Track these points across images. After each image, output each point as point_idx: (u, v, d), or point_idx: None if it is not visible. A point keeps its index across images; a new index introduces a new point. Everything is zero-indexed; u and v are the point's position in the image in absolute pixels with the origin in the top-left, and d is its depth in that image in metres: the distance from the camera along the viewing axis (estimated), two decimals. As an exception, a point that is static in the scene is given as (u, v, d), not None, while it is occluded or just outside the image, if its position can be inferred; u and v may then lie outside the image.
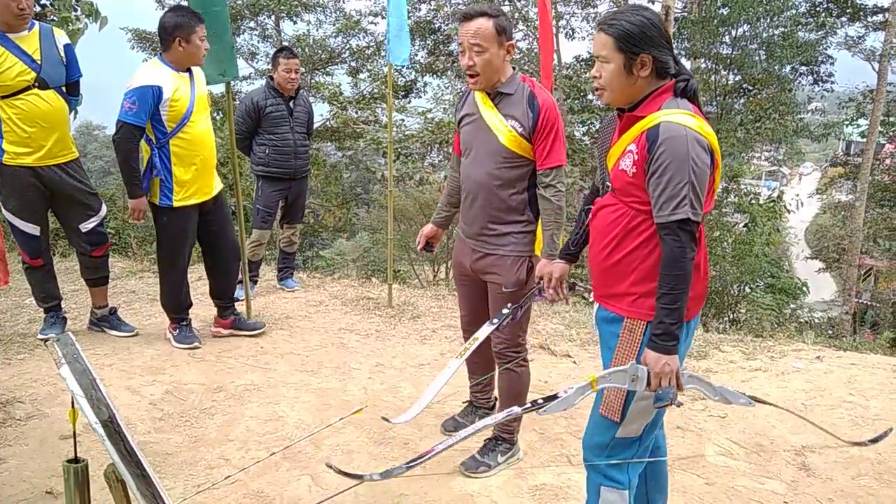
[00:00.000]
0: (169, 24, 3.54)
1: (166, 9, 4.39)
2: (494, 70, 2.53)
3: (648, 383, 1.86)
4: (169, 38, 3.55)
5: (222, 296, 4.13)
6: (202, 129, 3.73)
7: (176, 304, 3.99)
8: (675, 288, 1.81)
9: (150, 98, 3.48)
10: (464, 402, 3.25)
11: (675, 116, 1.80)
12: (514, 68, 2.64)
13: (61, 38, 3.68)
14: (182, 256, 3.88)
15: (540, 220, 2.67)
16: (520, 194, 2.62)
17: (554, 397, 1.84)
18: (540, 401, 1.85)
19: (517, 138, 2.55)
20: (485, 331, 2.45)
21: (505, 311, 2.53)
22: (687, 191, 1.76)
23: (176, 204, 3.69)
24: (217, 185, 3.94)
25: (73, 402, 1.36)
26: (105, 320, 4.08)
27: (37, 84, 3.50)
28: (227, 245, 4.04)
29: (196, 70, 3.74)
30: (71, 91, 3.74)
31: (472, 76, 2.55)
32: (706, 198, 1.85)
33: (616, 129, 2.00)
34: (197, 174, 3.73)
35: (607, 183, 2.01)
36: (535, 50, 14.03)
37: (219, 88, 5.29)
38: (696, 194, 1.78)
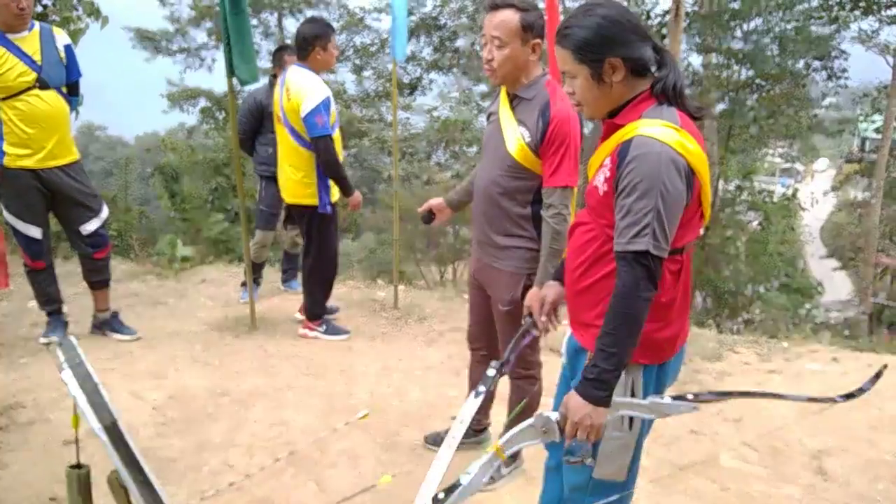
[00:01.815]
0: (309, 33, 3.74)
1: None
2: (515, 68, 2.30)
3: (561, 432, 1.59)
4: (309, 47, 3.74)
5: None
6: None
7: (326, 300, 4.25)
8: (617, 329, 1.53)
9: (330, 107, 3.72)
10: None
11: (653, 129, 1.54)
12: (543, 69, 2.39)
13: (61, 38, 3.65)
14: (337, 255, 4.14)
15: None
16: (522, 207, 2.41)
17: (454, 487, 1.54)
18: (440, 495, 1.53)
19: (524, 148, 2.32)
20: (470, 403, 1.86)
21: (490, 374, 1.93)
22: (650, 219, 1.50)
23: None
24: None
25: (75, 407, 1.37)
26: (107, 324, 4.05)
27: (37, 85, 3.47)
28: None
29: None
30: (71, 91, 3.71)
31: (489, 70, 2.35)
32: (693, 223, 1.63)
33: (600, 138, 1.75)
34: None
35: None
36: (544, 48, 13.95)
37: (222, 87, 5.26)
38: (662, 224, 1.51)
